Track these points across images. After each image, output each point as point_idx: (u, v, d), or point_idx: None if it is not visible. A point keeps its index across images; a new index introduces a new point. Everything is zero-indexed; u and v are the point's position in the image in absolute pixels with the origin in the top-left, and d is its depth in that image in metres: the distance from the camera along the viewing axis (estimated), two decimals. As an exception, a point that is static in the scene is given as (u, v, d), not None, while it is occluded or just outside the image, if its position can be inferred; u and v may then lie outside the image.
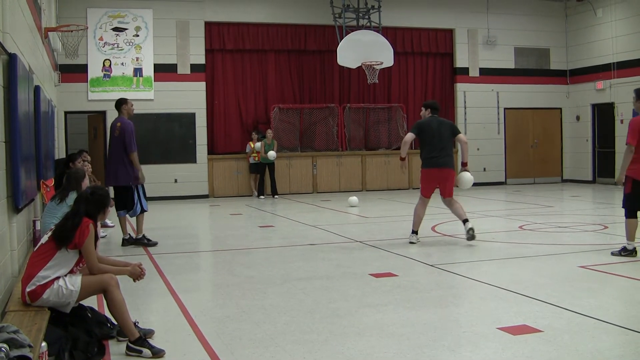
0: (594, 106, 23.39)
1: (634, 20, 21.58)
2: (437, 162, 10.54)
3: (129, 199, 10.96)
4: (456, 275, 8.19)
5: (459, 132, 10.87)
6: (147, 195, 11.39)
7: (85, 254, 5.32)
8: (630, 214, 9.09)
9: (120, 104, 11.21)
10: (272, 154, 19.65)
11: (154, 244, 10.98)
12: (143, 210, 11.11)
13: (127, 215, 11.28)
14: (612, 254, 9.16)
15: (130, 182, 10.92)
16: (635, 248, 9.03)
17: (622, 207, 9.23)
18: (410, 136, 10.72)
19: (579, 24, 23.93)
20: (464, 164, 10.95)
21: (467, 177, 10.90)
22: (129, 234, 11.19)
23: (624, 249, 9.09)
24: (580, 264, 8.57)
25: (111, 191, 11.11)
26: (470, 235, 10.26)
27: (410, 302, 6.88)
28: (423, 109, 11.03)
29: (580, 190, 20.84)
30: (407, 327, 5.88)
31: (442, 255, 9.65)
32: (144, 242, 10.98)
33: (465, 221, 10.42)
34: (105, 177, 11.24)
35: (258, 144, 20.08)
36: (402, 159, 10.90)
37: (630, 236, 9.08)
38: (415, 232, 10.74)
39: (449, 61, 23.75)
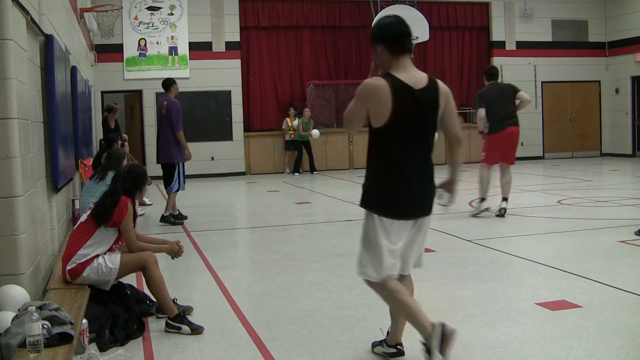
0: (633, 78, 22.90)
1: (675, -11, 21.13)
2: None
3: (171, 176, 11.05)
4: (494, 251, 8.14)
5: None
6: (185, 173, 11.39)
7: (124, 232, 5.37)
8: None
9: (171, 83, 11.43)
10: (316, 132, 19.55)
11: (180, 223, 10.91)
12: (180, 189, 11.17)
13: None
14: (635, 233, 8.57)
15: (174, 160, 11.01)
16: None
17: None
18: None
19: (618, -5, 23.48)
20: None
21: None
22: (178, 211, 11.23)
23: None
24: (620, 239, 8.44)
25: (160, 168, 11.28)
26: (501, 215, 10.45)
27: (448, 277, 6.86)
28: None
29: (619, 164, 20.55)
30: (445, 302, 5.86)
31: (479, 231, 9.58)
32: (170, 221, 10.93)
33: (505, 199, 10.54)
34: (156, 155, 11.32)
35: (296, 122, 20.10)
36: None
37: None
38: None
39: (485, 35, 23.43)
